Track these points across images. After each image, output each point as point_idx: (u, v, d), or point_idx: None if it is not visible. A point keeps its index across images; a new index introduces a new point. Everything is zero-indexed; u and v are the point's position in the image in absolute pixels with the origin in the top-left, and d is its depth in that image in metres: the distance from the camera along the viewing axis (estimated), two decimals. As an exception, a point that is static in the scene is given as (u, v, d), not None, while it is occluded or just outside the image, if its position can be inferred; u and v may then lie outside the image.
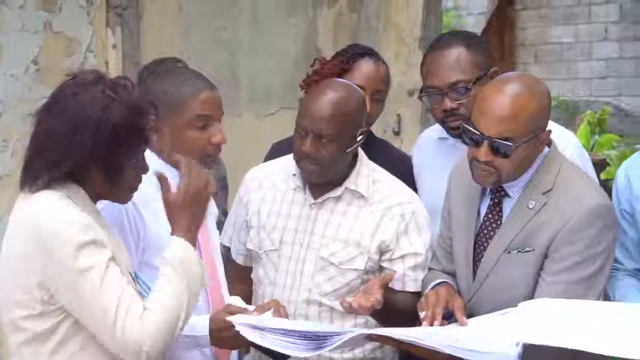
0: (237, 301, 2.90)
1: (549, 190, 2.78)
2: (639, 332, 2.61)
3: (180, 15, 4.88)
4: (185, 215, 2.50)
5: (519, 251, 2.78)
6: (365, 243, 3.02)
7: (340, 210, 3.05)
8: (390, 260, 3.02)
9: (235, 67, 5.11)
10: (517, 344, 2.47)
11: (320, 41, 5.44)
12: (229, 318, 2.66)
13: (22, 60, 4.37)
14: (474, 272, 2.86)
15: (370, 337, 2.63)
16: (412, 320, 2.81)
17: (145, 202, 2.68)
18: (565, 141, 3.15)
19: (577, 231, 2.72)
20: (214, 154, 2.87)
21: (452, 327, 2.69)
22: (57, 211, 2.36)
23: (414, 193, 3.18)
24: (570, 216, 2.73)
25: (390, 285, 2.89)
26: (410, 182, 3.29)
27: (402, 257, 3.02)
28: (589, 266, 2.72)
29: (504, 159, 2.73)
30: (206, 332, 2.75)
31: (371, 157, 3.15)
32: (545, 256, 2.76)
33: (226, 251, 3.22)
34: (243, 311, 2.73)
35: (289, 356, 2.63)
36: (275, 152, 3.48)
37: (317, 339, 2.53)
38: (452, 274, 2.95)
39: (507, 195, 2.84)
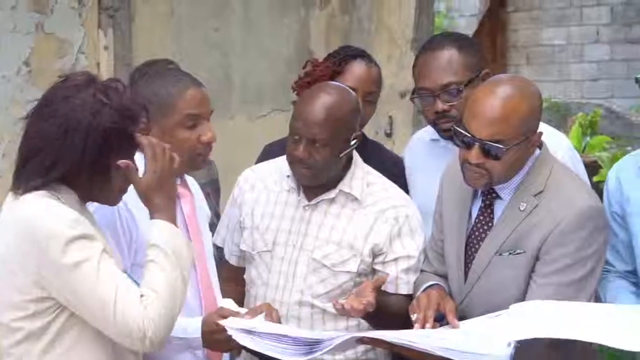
0: (230, 304, 2.90)
1: (540, 192, 2.79)
2: (630, 328, 2.63)
3: (172, 16, 4.87)
4: (159, 196, 2.49)
5: (510, 253, 2.78)
6: (359, 246, 3.02)
7: (333, 212, 3.05)
8: (383, 263, 3.02)
9: (227, 69, 5.11)
10: (509, 345, 2.48)
11: (313, 43, 5.44)
12: (221, 322, 2.66)
13: (13, 62, 4.36)
14: (466, 274, 2.87)
15: (362, 341, 2.64)
16: (405, 322, 2.81)
17: (137, 202, 2.68)
18: (557, 143, 3.16)
19: (568, 233, 2.72)
20: (204, 152, 2.87)
21: (443, 330, 2.69)
22: (45, 210, 2.37)
23: (407, 196, 3.18)
24: (562, 218, 2.73)
25: (383, 287, 2.89)
26: (402, 184, 3.30)
27: (395, 260, 3.02)
28: (580, 268, 2.73)
29: (495, 161, 2.74)
30: (198, 334, 2.75)
31: (363, 159, 3.15)
32: (537, 258, 2.76)
33: (219, 252, 3.22)
34: (235, 314, 2.73)
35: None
36: (268, 153, 3.48)
37: (308, 344, 2.53)
38: (444, 276, 2.96)
39: (498, 197, 2.84)
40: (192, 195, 2.96)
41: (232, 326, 2.63)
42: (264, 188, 3.14)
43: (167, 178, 2.51)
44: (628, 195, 3.11)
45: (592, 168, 6.87)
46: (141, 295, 2.37)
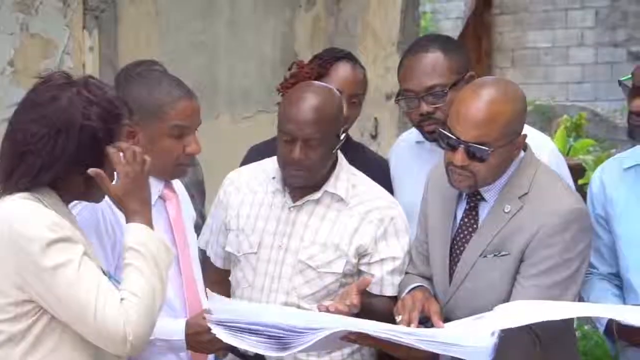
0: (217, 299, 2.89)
1: (525, 194, 2.80)
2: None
3: (157, 17, 4.86)
4: (133, 200, 2.48)
5: (495, 255, 2.79)
6: (344, 246, 3.02)
7: (319, 213, 3.05)
8: (369, 264, 3.02)
9: (212, 70, 5.10)
10: (493, 334, 2.49)
11: (298, 45, 5.45)
12: (207, 316, 2.66)
13: (-3, 62, 4.34)
14: (451, 276, 2.87)
15: (348, 338, 2.63)
16: (390, 324, 2.81)
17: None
18: (542, 145, 3.17)
19: (553, 235, 2.73)
20: (186, 163, 2.87)
21: (428, 329, 2.70)
22: (25, 213, 2.36)
23: (393, 198, 3.19)
24: (546, 220, 2.74)
25: (368, 289, 2.90)
26: (387, 186, 3.30)
27: (380, 261, 3.02)
28: (564, 270, 2.74)
29: (480, 164, 2.75)
30: (182, 336, 2.75)
31: (348, 161, 3.15)
32: (521, 260, 2.77)
33: (203, 254, 3.22)
34: None
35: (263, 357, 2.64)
36: (253, 155, 3.48)
37: (292, 337, 2.52)
38: (429, 278, 2.96)
39: (483, 199, 2.85)
40: (177, 197, 2.95)
41: (215, 318, 2.63)
42: (249, 190, 3.14)
43: (140, 181, 2.50)
44: (611, 198, 3.13)
45: (577, 171, 6.89)
46: (121, 299, 2.36)
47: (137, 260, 2.42)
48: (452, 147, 2.76)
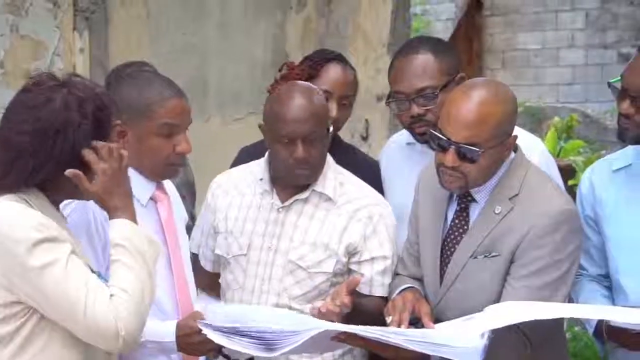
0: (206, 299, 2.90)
1: (515, 196, 2.80)
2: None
3: (148, 19, 4.86)
4: (114, 197, 2.46)
5: (485, 256, 2.80)
6: (334, 246, 3.02)
7: (307, 212, 3.06)
8: (359, 262, 3.03)
9: (203, 72, 5.10)
10: (483, 335, 2.50)
11: (289, 46, 5.45)
12: (199, 321, 2.66)
13: (-13, 64, 4.34)
14: (441, 277, 2.88)
15: (338, 338, 2.63)
16: (380, 325, 2.81)
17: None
18: (532, 146, 3.18)
19: (543, 236, 2.74)
20: (177, 162, 2.86)
21: (418, 330, 2.70)
22: (11, 214, 2.35)
23: (381, 196, 3.19)
24: (536, 221, 2.75)
25: (357, 289, 2.90)
26: (378, 188, 3.30)
27: (371, 260, 3.02)
28: (554, 271, 2.75)
29: (471, 165, 2.75)
30: (173, 338, 2.74)
31: (338, 162, 3.16)
32: (512, 261, 2.78)
33: (194, 257, 3.21)
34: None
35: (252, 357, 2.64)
36: (243, 156, 3.48)
37: (272, 339, 2.52)
38: (420, 279, 2.97)
39: (474, 200, 2.86)
40: (169, 198, 2.95)
41: (205, 321, 2.63)
42: (237, 192, 3.15)
43: (119, 177, 2.48)
44: (601, 199, 3.14)
45: (567, 172, 6.91)
46: (111, 295, 2.35)
47: (124, 256, 2.41)
48: (442, 148, 2.77)
